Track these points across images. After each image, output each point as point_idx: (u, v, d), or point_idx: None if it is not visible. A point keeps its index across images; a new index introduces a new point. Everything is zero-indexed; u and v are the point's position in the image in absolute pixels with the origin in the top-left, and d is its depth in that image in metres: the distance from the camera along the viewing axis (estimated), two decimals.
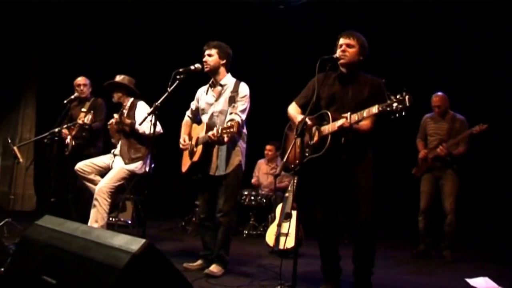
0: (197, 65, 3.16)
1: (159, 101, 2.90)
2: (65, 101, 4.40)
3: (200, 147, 3.17)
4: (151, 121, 3.01)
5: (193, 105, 3.48)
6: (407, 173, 4.60)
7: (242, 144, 3.27)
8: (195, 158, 3.19)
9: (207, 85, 3.39)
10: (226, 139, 2.94)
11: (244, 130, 3.29)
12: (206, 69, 3.24)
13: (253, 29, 6.02)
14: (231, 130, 2.85)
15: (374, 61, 2.84)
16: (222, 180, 3.19)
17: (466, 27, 5.27)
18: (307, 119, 2.64)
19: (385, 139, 3.45)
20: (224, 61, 3.25)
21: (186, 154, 3.37)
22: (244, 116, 3.18)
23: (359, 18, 4.76)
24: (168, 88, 2.95)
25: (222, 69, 3.27)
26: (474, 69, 5.38)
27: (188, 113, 3.51)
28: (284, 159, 2.59)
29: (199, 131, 3.27)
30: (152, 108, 2.94)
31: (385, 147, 4.40)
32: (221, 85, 3.27)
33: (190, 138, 3.35)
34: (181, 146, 3.32)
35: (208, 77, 3.36)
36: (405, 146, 4.85)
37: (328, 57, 2.66)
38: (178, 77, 2.99)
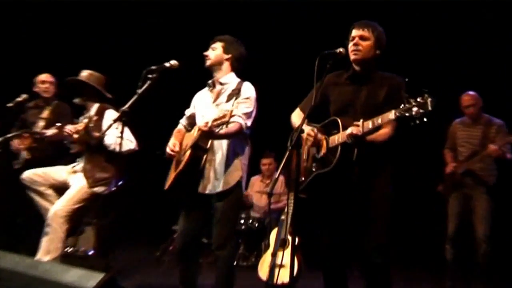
0: (173, 62, 3.16)
1: (126, 106, 2.90)
2: (9, 104, 4.32)
3: (188, 153, 3.15)
4: (120, 132, 2.98)
5: (188, 112, 3.51)
6: (432, 191, 4.66)
7: (243, 159, 3.26)
8: (181, 166, 3.17)
9: (206, 88, 3.43)
10: (216, 130, 2.94)
11: (247, 147, 3.29)
12: (206, 64, 3.31)
13: (248, 25, 6.11)
14: (222, 120, 2.85)
15: (388, 58, 2.91)
16: (216, 201, 3.17)
17: (504, 14, 5.37)
18: (305, 128, 2.70)
19: (404, 149, 3.51)
20: (230, 55, 3.29)
21: (172, 167, 3.37)
22: (248, 121, 3.17)
23: (371, 8, 4.87)
24: (138, 90, 2.95)
25: (226, 65, 3.31)
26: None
27: (182, 121, 3.53)
28: (278, 174, 2.60)
29: (192, 137, 3.27)
30: (118, 115, 2.95)
31: (405, 159, 4.45)
32: (221, 84, 3.31)
33: (181, 148, 3.34)
34: (168, 151, 3.28)
35: (206, 79, 3.41)
36: (431, 158, 4.92)
37: (329, 52, 2.68)
38: (150, 76, 3.00)
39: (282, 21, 6.14)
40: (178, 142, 3.32)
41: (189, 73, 3.35)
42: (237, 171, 3.19)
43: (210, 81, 3.38)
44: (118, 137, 3.13)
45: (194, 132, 3.18)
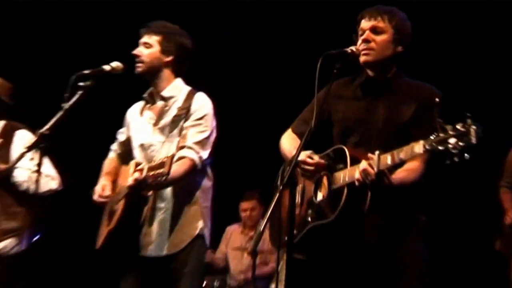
0: (116, 64, 3.16)
1: (46, 127, 2.84)
2: None
3: (121, 203, 3.17)
4: (37, 165, 2.91)
5: (121, 135, 3.53)
6: (485, 250, 4.72)
7: (203, 201, 3.29)
8: (113, 222, 3.19)
9: (142, 101, 3.46)
10: (153, 181, 2.94)
11: (207, 182, 3.32)
12: (137, 70, 3.30)
13: (229, 23, 6.22)
14: (160, 171, 2.84)
15: (415, 61, 2.98)
16: (169, 265, 3.20)
17: None
18: (305, 157, 2.70)
19: (441, 190, 3.53)
20: (170, 58, 3.31)
21: (104, 217, 3.39)
22: (204, 152, 3.19)
23: None
24: (64, 104, 2.91)
25: (166, 72, 3.33)
26: None
27: (115, 147, 3.57)
28: (265, 224, 2.56)
29: (127, 177, 3.25)
30: (34, 139, 2.87)
31: (444, 204, 4.50)
32: (163, 99, 3.33)
33: (114, 191, 3.35)
34: (95, 197, 3.28)
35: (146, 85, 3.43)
36: (481, 201, 4.99)
37: (337, 51, 2.72)
38: (81, 84, 2.98)
39: (263, 12, 6.18)
40: (109, 182, 3.32)
41: (137, 79, 3.35)
42: (194, 222, 3.23)
43: (146, 94, 3.40)
44: (34, 171, 3.11)
45: (130, 170, 3.16)
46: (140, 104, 3.47)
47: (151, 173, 2.90)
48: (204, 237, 3.26)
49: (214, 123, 3.29)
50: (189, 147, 3.14)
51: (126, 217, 3.15)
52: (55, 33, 6.41)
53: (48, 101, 3.58)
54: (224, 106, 3.40)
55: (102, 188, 3.28)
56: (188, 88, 3.36)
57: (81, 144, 5.67)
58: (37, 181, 3.02)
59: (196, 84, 3.41)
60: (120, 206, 3.18)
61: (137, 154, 3.34)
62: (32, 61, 6.19)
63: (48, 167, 3.73)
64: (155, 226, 3.21)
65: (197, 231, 3.22)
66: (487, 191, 4.89)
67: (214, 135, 3.29)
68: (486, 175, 4.83)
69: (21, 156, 3.05)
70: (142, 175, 2.93)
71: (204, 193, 3.31)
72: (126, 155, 3.47)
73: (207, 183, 3.33)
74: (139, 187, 3.01)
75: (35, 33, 6.43)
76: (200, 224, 3.25)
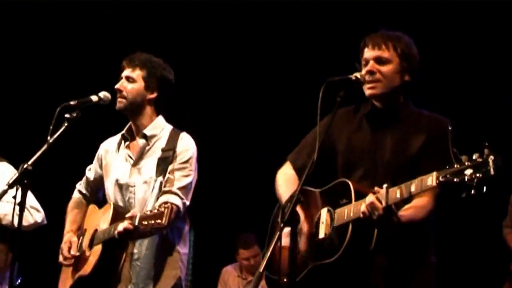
0: (103, 94, 3.23)
1: (30, 161, 2.86)
2: None
3: (98, 249, 3.17)
4: (15, 199, 2.89)
5: (90, 171, 3.53)
6: None
7: (181, 248, 3.30)
8: (87, 269, 3.17)
9: (119, 136, 3.46)
10: (144, 230, 2.94)
11: (185, 227, 3.35)
12: (119, 106, 3.30)
13: (213, 33, 6.26)
14: (158, 222, 2.84)
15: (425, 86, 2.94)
16: None
17: None
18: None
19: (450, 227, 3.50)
20: (154, 94, 3.33)
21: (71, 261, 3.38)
22: (187, 198, 3.22)
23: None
24: (49, 137, 2.95)
25: (148, 109, 3.36)
26: None
27: (81, 186, 3.56)
28: (264, 266, 2.53)
29: (99, 220, 3.30)
30: (16, 175, 2.89)
31: (452, 244, 4.49)
32: (145, 137, 3.34)
33: (82, 233, 3.36)
34: (60, 259, 3.32)
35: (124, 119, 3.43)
36: (486, 242, 5.03)
37: (341, 78, 2.67)
38: (68, 116, 3.02)
39: (254, 34, 6.23)
40: (74, 236, 3.31)
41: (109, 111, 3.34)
42: (172, 270, 3.22)
43: (124, 132, 3.40)
44: (17, 204, 3.06)
45: (108, 215, 3.18)
46: (116, 139, 3.47)
47: (145, 222, 2.89)
48: (181, 285, 3.28)
49: (196, 166, 3.31)
50: (174, 193, 3.17)
51: (103, 264, 3.16)
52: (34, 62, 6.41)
53: (27, 132, 3.54)
54: (209, 141, 3.37)
55: (68, 247, 3.28)
56: (170, 127, 3.39)
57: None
58: (20, 215, 2.98)
59: (177, 119, 3.47)
60: (96, 252, 3.18)
61: (111, 193, 3.36)
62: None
63: (32, 199, 3.71)
64: (130, 274, 3.22)
65: (174, 281, 3.24)
66: (495, 230, 4.88)
67: (195, 179, 3.30)
68: (491, 215, 4.85)
69: (3, 193, 3.02)
70: (134, 225, 2.92)
71: (182, 239, 3.32)
72: (94, 193, 3.53)
73: (185, 228, 3.35)
74: (128, 236, 3.01)
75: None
76: (178, 272, 3.26)
